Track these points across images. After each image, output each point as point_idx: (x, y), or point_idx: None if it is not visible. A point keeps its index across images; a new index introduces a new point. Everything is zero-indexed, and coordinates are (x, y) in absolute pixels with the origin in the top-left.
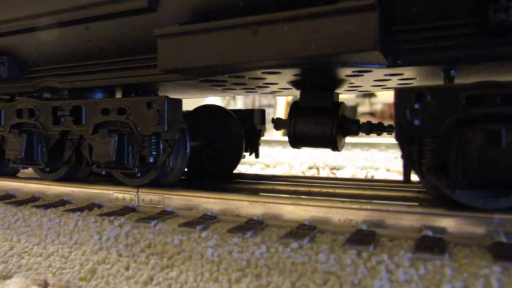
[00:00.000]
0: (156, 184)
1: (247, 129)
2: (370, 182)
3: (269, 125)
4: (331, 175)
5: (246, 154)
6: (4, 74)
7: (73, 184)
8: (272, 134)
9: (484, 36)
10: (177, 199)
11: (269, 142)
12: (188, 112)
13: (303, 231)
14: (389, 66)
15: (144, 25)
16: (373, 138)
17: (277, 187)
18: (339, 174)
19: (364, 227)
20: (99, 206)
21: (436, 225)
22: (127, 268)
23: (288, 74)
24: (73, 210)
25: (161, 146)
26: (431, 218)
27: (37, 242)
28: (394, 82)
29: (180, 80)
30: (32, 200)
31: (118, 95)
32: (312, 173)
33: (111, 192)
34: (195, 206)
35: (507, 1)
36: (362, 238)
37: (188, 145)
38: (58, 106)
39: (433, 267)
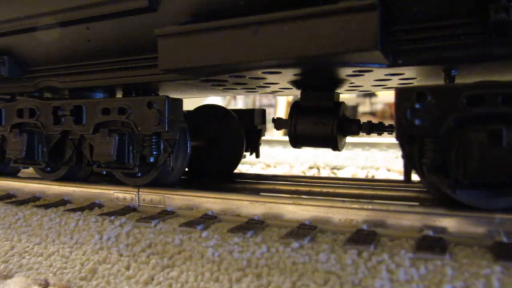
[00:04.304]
0: (157, 184)
1: (247, 129)
2: (371, 182)
3: (269, 125)
4: (332, 175)
5: (247, 154)
6: (5, 74)
7: (73, 183)
8: (272, 134)
9: (484, 36)
10: (178, 198)
11: (269, 142)
12: (188, 112)
13: (304, 231)
14: (390, 66)
15: (144, 25)
16: (374, 138)
17: (277, 187)
18: (340, 174)
19: (364, 227)
20: (100, 206)
21: (436, 225)
22: (127, 268)
23: (289, 74)
24: (73, 210)
25: (161, 146)
26: (431, 218)
27: (37, 241)
28: (395, 81)
29: (180, 80)
30: (32, 199)
31: (119, 95)
32: (313, 173)
33: (111, 191)
34: (196, 205)
35: (508, 1)
36: (363, 238)
37: (188, 145)
38: (59, 106)
39: (434, 267)
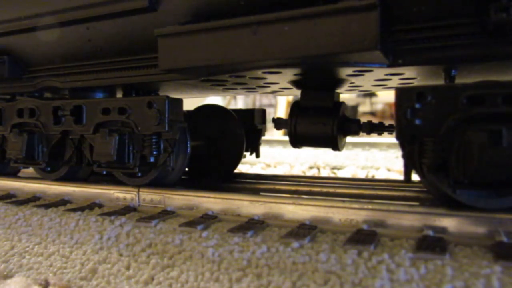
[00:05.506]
0: (157, 183)
1: (247, 129)
2: (371, 182)
3: (269, 125)
4: (332, 175)
5: (247, 153)
6: (5, 74)
7: (74, 183)
8: (272, 133)
9: (485, 36)
10: (178, 198)
11: (269, 142)
12: (188, 111)
13: (304, 230)
14: (390, 65)
15: (144, 25)
16: (374, 138)
17: (277, 187)
18: (340, 173)
19: (364, 226)
20: (100, 206)
21: (437, 225)
22: (127, 268)
23: (289, 74)
24: (74, 210)
25: (161, 145)
26: (432, 218)
27: (38, 241)
28: (395, 81)
29: (180, 80)
30: (33, 199)
31: (119, 94)
32: (313, 172)
33: (112, 191)
34: (196, 205)
35: (508, 1)
36: (363, 237)
37: (188, 145)
38: (59, 105)
39: (434, 266)
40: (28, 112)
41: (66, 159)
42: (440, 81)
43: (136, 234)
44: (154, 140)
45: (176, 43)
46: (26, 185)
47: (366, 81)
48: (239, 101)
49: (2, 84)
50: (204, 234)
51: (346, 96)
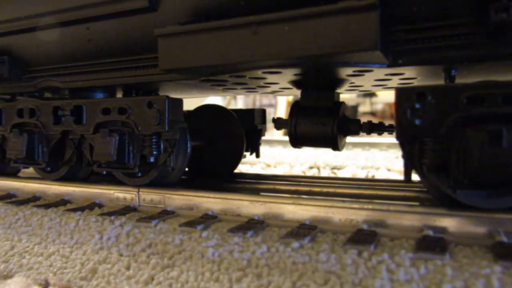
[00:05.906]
0: (157, 183)
1: (247, 129)
2: (371, 182)
3: (269, 125)
4: (332, 175)
5: (247, 153)
6: (5, 74)
7: (74, 183)
8: (272, 133)
9: (485, 36)
10: (178, 198)
11: (269, 142)
12: (188, 111)
13: (304, 230)
14: (390, 65)
15: (144, 25)
16: (374, 138)
17: (277, 187)
18: (340, 173)
19: (364, 226)
20: (100, 206)
21: (437, 225)
22: (128, 268)
23: (289, 74)
24: (74, 210)
25: (162, 145)
26: (432, 218)
27: (38, 241)
28: (395, 81)
29: (181, 80)
30: (33, 199)
31: (119, 94)
32: (313, 172)
33: (112, 191)
34: (196, 205)
35: (508, 1)
36: (363, 237)
37: (188, 145)
38: (59, 105)
39: (434, 266)
40: (28, 112)
41: (66, 159)
42: (440, 81)
43: (136, 234)
44: (154, 140)
45: (176, 43)
46: (26, 185)
47: (366, 81)
48: (239, 101)
49: (2, 84)
50: (204, 234)
51: (346, 96)
